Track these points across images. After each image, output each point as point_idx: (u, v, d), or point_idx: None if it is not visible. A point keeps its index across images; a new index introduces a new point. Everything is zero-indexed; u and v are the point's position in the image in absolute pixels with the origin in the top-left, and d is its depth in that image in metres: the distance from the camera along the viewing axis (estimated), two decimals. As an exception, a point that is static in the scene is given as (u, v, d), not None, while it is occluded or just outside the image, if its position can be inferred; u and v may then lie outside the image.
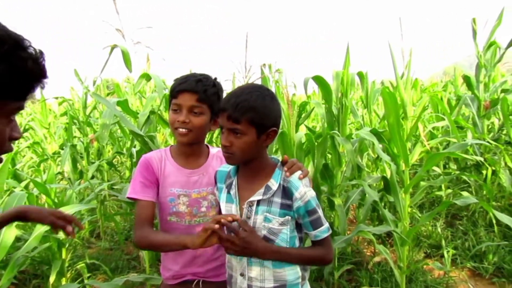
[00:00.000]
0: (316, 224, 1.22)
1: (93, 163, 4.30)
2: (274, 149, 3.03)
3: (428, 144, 2.72)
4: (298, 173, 1.23)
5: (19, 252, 2.10)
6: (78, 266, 3.02)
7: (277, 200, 1.20)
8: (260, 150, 1.23)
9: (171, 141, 5.20)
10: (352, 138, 3.06)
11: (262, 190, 1.21)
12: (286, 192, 1.20)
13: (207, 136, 1.69)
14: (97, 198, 3.86)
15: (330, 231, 1.25)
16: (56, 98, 4.85)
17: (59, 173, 4.39)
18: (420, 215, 3.67)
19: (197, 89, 1.32)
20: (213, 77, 1.40)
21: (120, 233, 3.88)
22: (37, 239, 1.98)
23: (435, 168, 4.14)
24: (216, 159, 1.46)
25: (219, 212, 1.36)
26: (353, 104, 3.68)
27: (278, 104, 1.23)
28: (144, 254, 2.84)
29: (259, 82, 3.09)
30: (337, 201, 2.83)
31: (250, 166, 1.25)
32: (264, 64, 4.38)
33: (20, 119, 7.10)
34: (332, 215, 3.34)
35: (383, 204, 3.58)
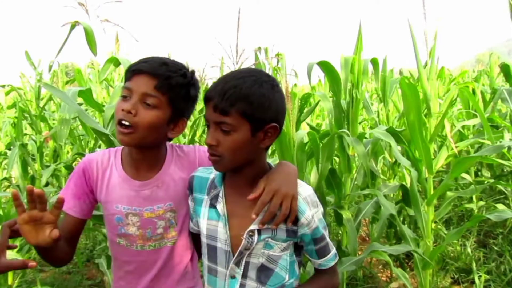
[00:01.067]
0: (323, 252, 1.21)
1: (48, 166, 4.27)
2: (270, 151, 3.04)
3: (456, 147, 2.75)
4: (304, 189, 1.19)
5: None
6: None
7: (283, 226, 1.16)
8: (257, 153, 1.17)
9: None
10: (365, 139, 3.08)
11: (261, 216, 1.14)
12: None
13: (188, 135, 1.67)
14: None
15: (337, 258, 1.25)
16: (3, 86, 4.82)
17: (5, 178, 4.36)
18: (446, 232, 3.70)
19: (158, 72, 1.20)
20: (190, 69, 1.29)
21: (80, 253, 3.86)
22: None
23: (464, 175, 4.17)
24: (176, 161, 1.34)
25: (183, 231, 1.34)
26: (366, 98, 3.71)
27: (281, 94, 1.17)
28: (110, 279, 2.83)
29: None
30: (346, 214, 2.83)
31: (242, 174, 1.18)
32: (259, 48, 4.40)
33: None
34: (340, 232, 3.35)
35: (401, 218, 3.60)
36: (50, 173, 4.06)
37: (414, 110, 2.45)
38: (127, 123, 1.19)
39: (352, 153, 2.99)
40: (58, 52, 2.29)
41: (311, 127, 3.64)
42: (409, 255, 3.57)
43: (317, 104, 3.53)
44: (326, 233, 1.21)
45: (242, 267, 1.18)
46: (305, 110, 3.54)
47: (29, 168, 4.56)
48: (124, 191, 1.30)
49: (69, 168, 4.39)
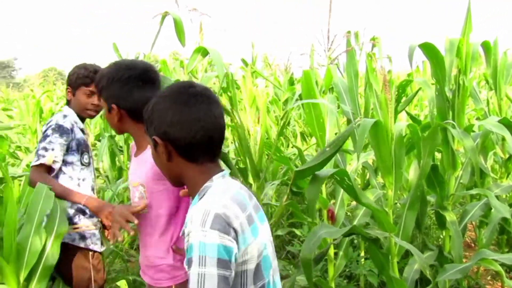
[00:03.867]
0: (192, 281, 1.10)
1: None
2: (363, 145, 3.00)
3: None
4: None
5: (45, 261, 2.27)
6: (118, 283, 3.26)
7: None
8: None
9: (228, 133, 5.37)
10: (473, 132, 2.96)
11: None
12: None
13: None
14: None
15: None
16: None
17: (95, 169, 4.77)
18: None
19: None
20: None
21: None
22: (56, 247, 2.13)
23: None
24: None
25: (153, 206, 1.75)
26: (474, 85, 3.51)
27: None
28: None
29: (343, 56, 3.06)
30: (450, 216, 2.75)
31: None
32: (349, 32, 4.32)
33: (51, 104, 7.82)
34: (442, 236, 3.23)
35: (516, 223, 3.38)
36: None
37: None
38: None
39: (458, 147, 2.90)
40: (152, 44, 2.45)
41: (411, 117, 3.52)
42: (524, 266, 3.36)
43: (416, 92, 3.41)
44: (197, 264, 1.09)
45: None
46: (403, 99, 3.44)
47: (116, 159, 4.95)
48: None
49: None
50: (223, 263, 1.09)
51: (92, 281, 2.39)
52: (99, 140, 5.31)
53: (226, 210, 1.14)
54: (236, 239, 1.14)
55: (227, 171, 1.31)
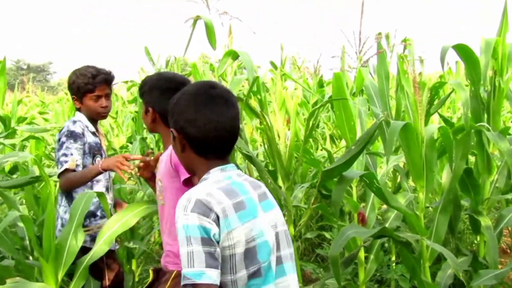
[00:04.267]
0: (183, 261, 1.22)
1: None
2: (394, 148, 2.97)
3: None
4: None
5: (87, 259, 2.34)
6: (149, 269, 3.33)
7: None
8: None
9: (257, 135, 5.39)
10: (509, 134, 2.89)
11: None
12: None
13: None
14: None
15: (209, 280, 1.20)
16: (126, 82, 5.37)
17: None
18: None
19: None
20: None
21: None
22: (107, 244, 2.20)
23: None
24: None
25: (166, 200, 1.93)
26: (510, 87, 3.43)
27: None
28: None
29: (375, 58, 3.04)
30: (484, 221, 2.69)
31: None
32: (379, 34, 4.26)
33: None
34: (476, 241, 3.16)
35: (554, 229, 3.27)
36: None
37: None
38: None
39: (493, 150, 2.85)
40: (186, 48, 2.49)
41: (444, 119, 3.46)
42: None
43: (450, 94, 3.35)
44: (185, 244, 1.22)
45: None
46: (435, 101, 3.38)
47: (148, 161, 5.02)
48: None
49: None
50: (206, 241, 1.22)
51: (107, 280, 2.48)
52: (131, 142, 5.41)
53: (208, 197, 1.26)
54: (218, 222, 1.25)
55: (231, 165, 1.40)
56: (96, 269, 2.43)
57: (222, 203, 1.27)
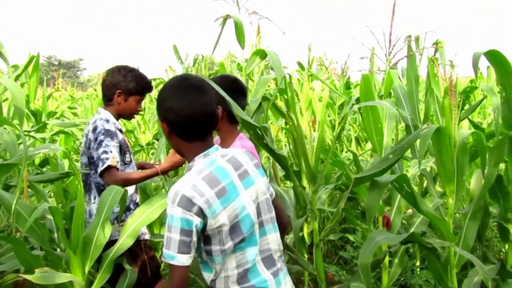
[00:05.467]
0: (164, 241, 1.48)
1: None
2: (424, 151, 2.91)
3: None
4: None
5: (112, 253, 2.34)
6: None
7: None
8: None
9: (282, 136, 5.38)
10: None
11: None
12: None
13: None
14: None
15: (171, 261, 1.47)
16: (154, 79, 5.42)
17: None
18: None
19: None
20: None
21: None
22: (132, 236, 2.20)
23: None
24: None
25: None
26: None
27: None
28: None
29: (404, 61, 2.99)
30: (514, 229, 2.61)
31: None
32: (410, 36, 4.20)
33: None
34: (504, 249, 3.08)
35: None
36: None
37: None
38: None
39: None
40: (214, 47, 2.50)
41: (474, 125, 3.38)
42: None
43: (482, 100, 3.26)
44: (167, 230, 1.47)
45: None
46: (466, 106, 3.31)
47: (173, 158, 5.07)
48: None
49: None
50: (184, 232, 1.45)
51: (148, 267, 2.53)
52: (157, 139, 5.46)
53: (192, 190, 1.46)
54: (202, 212, 1.46)
55: (214, 147, 1.60)
56: (133, 255, 2.52)
57: (204, 195, 1.47)
